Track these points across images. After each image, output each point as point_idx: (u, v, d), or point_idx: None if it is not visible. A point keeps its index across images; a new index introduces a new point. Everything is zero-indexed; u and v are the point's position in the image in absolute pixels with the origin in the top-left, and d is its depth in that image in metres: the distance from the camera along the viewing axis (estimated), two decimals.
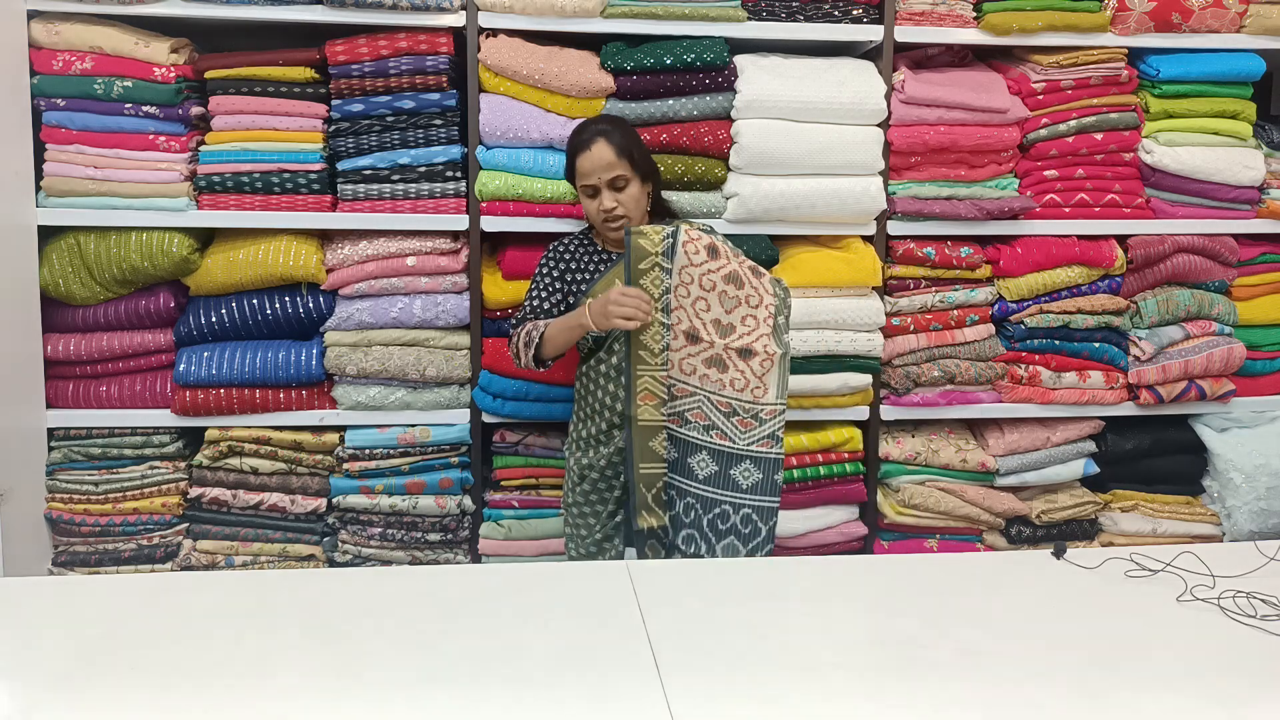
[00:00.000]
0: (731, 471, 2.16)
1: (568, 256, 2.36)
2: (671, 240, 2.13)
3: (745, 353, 2.15)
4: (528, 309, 2.33)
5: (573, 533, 2.38)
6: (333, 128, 2.66)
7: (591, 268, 2.33)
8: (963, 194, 2.81)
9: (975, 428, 3.00)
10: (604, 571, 1.77)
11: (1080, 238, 2.86)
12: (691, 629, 1.50)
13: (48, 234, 2.63)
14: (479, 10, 2.63)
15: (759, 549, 2.18)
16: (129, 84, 2.57)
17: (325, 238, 2.74)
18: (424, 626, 1.50)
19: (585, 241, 2.38)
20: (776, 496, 2.18)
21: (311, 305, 2.70)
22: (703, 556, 2.14)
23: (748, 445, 2.16)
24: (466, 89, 2.68)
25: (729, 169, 2.73)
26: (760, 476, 2.17)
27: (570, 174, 2.32)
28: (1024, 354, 2.89)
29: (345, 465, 2.71)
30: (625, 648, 1.43)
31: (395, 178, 2.66)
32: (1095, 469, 2.96)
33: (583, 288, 2.32)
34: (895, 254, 2.83)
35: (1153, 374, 2.90)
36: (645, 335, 2.13)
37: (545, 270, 2.35)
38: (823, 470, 2.83)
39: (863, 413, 2.86)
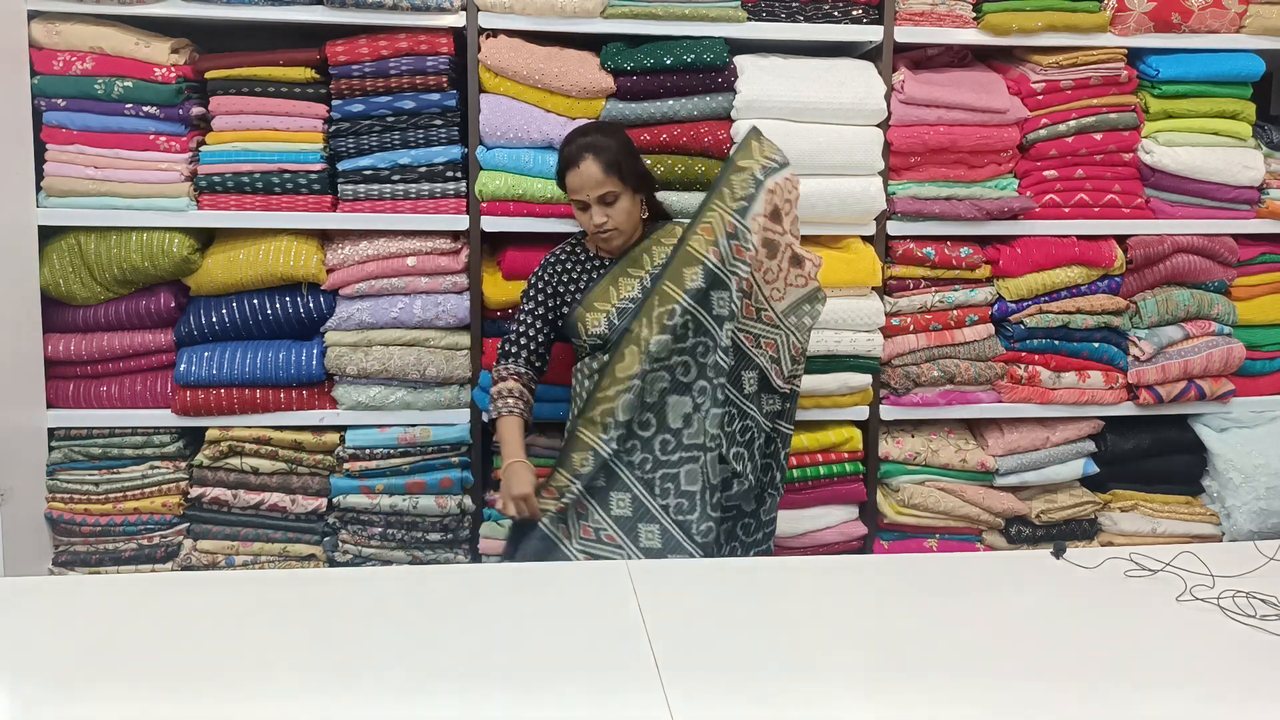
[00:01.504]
0: (714, 312, 2.18)
1: (559, 269, 2.36)
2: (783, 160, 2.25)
3: (796, 259, 2.23)
4: (514, 335, 2.36)
5: None
6: (333, 128, 2.66)
7: (585, 278, 2.34)
8: (962, 194, 2.81)
9: (975, 428, 3.00)
10: (604, 571, 1.77)
11: (1080, 238, 2.86)
12: (691, 629, 1.50)
13: (48, 234, 2.63)
14: (479, 10, 2.63)
15: (692, 389, 2.18)
16: (129, 84, 2.57)
17: (325, 238, 2.74)
18: (424, 626, 1.50)
19: (579, 249, 2.38)
20: (719, 376, 2.18)
21: (312, 305, 2.70)
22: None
23: (740, 329, 2.21)
24: (467, 89, 2.68)
25: None
26: (732, 363, 2.18)
27: (561, 185, 2.32)
28: (1023, 354, 2.90)
29: (345, 465, 2.71)
30: (625, 648, 1.43)
31: (395, 178, 2.66)
32: (1095, 469, 2.96)
33: (576, 297, 2.32)
34: (895, 254, 2.83)
35: (1152, 374, 2.90)
36: (736, 178, 2.19)
37: (533, 291, 2.36)
38: (822, 470, 2.83)
39: (862, 413, 2.86)
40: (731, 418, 2.23)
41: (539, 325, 2.35)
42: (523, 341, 2.35)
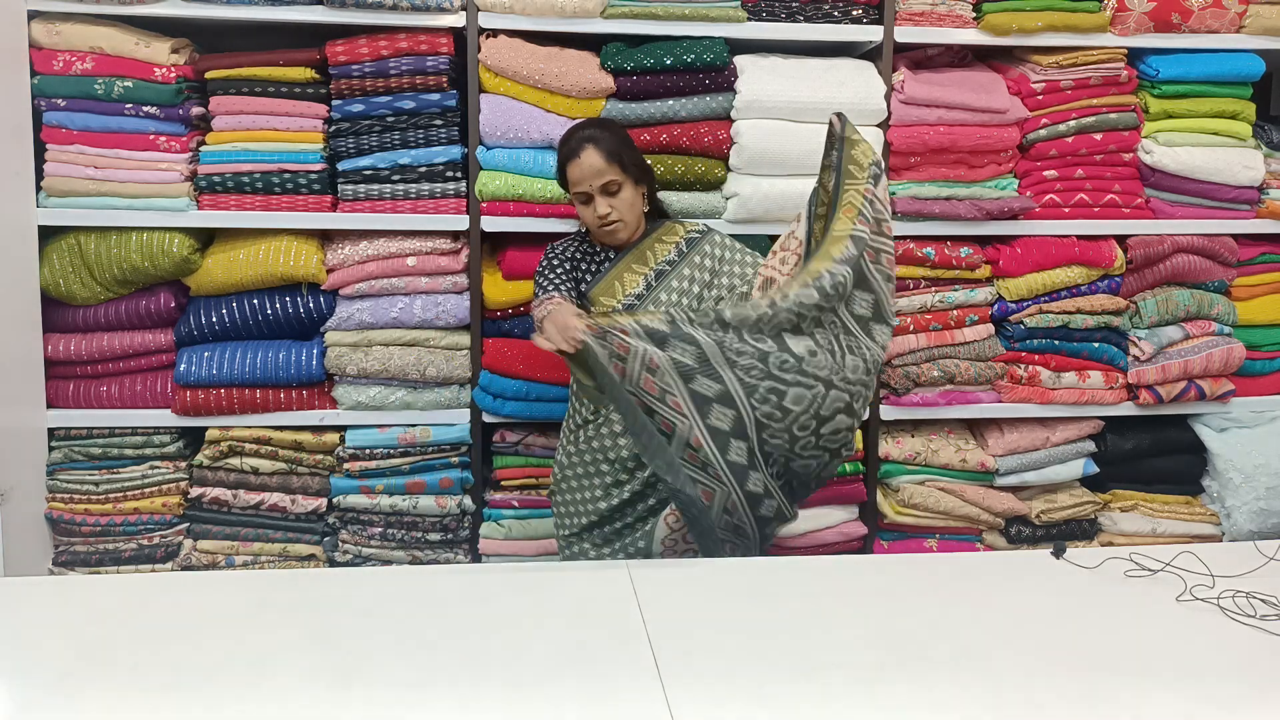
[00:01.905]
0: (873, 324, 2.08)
1: (566, 256, 2.36)
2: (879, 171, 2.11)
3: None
4: (545, 284, 2.26)
5: (559, 522, 2.40)
6: (333, 128, 2.66)
7: (594, 268, 2.34)
8: (962, 194, 2.81)
9: (975, 428, 3.00)
10: (604, 571, 1.77)
11: (1080, 238, 2.86)
12: (691, 629, 1.50)
13: (48, 234, 2.63)
14: (479, 10, 2.63)
15: (814, 335, 2.02)
16: (129, 84, 2.57)
17: (325, 238, 2.74)
18: (424, 626, 1.50)
19: (582, 243, 2.39)
20: (859, 331, 2.07)
21: (312, 305, 2.70)
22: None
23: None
24: (467, 89, 2.68)
25: (729, 169, 2.73)
26: (859, 314, 2.05)
27: (562, 181, 2.32)
28: (1023, 354, 2.90)
29: (345, 465, 2.71)
30: (625, 648, 1.43)
31: (395, 178, 2.67)
32: (1095, 469, 2.96)
33: (582, 287, 2.32)
34: (895, 254, 2.83)
35: (1152, 374, 2.90)
36: (856, 151, 2.09)
37: (549, 265, 2.32)
38: None
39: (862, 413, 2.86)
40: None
41: (568, 283, 2.27)
42: (556, 282, 2.26)
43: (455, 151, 2.67)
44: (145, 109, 2.59)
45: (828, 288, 1.99)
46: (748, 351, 1.97)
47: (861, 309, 2.06)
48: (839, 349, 2.03)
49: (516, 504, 2.78)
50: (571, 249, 2.37)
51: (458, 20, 2.63)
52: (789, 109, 2.69)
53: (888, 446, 2.88)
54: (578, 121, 2.44)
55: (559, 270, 2.31)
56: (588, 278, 2.33)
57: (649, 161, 2.62)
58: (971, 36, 2.78)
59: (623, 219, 2.26)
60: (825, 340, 2.02)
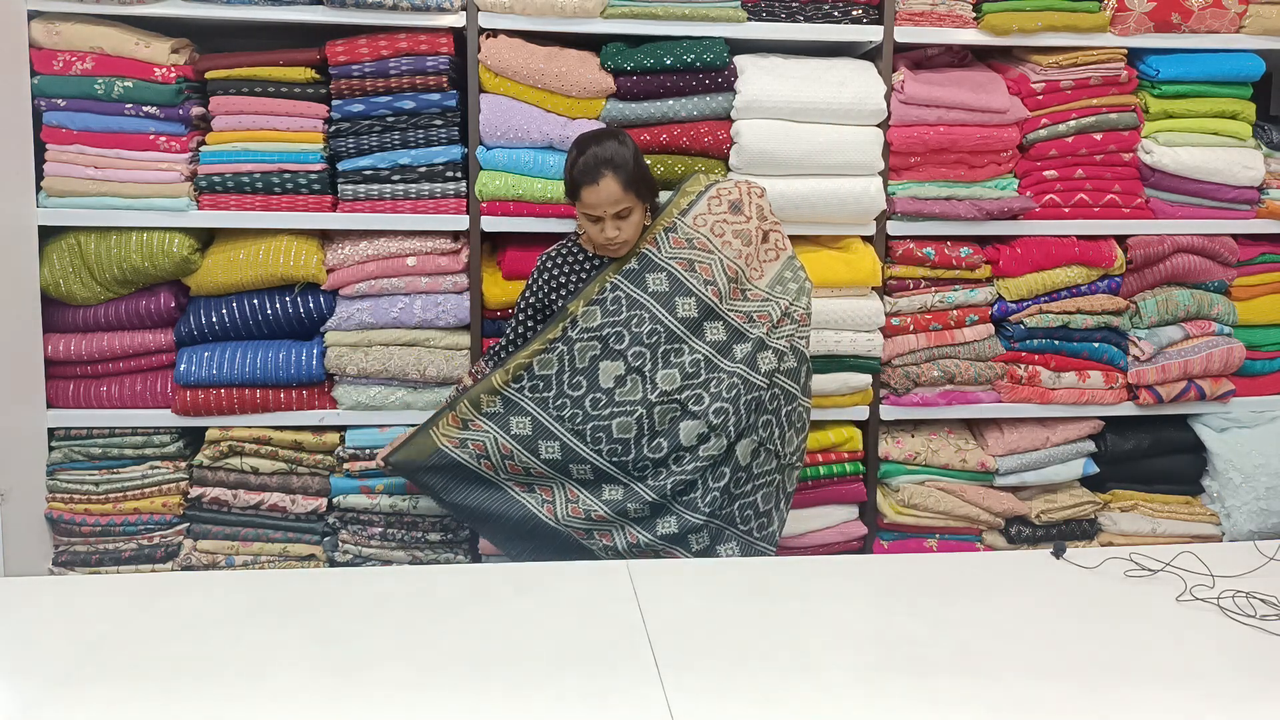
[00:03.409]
0: (705, 323, 2.31)
1: (555, 270, 2.42)
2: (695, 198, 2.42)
3: (764, 237, 2.42)
4: (509, 334, 2.49)
5: None
6: (333, 128, 2.66)
7: (577, 280, 2.40)
8: (962, 194, 2.81)
9: (975, 428, 3.00)
10: (604, 571, 1.78)
11: (1080, 238, 2.87)
12: (691, 629, 1.50)
13: (48, 234, 2.63)
14: (479, 10, 2.63)
15: (626, 355, 2.27)
16: (129, 84, 2.57)
17: (325, 238, 2.74)
18: (424, 626, 1.50)
19: (575, 249, 2.42)
20: (735, 364, 2.30)
21: (312, 305, 2.70)
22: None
23: (728, 310, 2.33)
24: (467, 89, 2.68)
25: (729, 169, 2.73)
26: (724, 339, 2.32)
27: (570, 193, 2.32)
28: (1023, 354, 2.90)
29: (345, 465, 2.71)
30: (625, 648, 1.44)
31: (395, 178, 2.67)
32: (1095, 469, 2.96)
33: (568, 297, 2.39)
34: (895, 254, 2.83)
35: (1152, 374, 2.90)
36: (682, 199, 2.42)
37: (529, 292, 2.45)
38: (822, 470, 2.83)
39: (862, 413, 2.86)
40: (718, 380, 2.28)
41: (530, 324, 2.46)
42: (517, 336, 2.47)
43: (455, 151, 2.67)
44: (145, 109, 2.59)
45: (607, 301, 2.31)
46: (567, 401, 2.29)
47: (686, 310, 2.30)
48: (650, 363, 2.28)
49: None
50: (563, 259, 2.43)
51: (458, 20, 2.63)
52: (789, 109, 2.69)
53: (888, 446, 2.88)
54: (588, 133, 2.40)
55: (525, 305, 2.45)
56: (573, 284, 2.40)
57: (649, 162, 2.63)
58: (971, 36, 2.78)
59: (628, 240, 2.33)
60: (636, 359, 2.28)
